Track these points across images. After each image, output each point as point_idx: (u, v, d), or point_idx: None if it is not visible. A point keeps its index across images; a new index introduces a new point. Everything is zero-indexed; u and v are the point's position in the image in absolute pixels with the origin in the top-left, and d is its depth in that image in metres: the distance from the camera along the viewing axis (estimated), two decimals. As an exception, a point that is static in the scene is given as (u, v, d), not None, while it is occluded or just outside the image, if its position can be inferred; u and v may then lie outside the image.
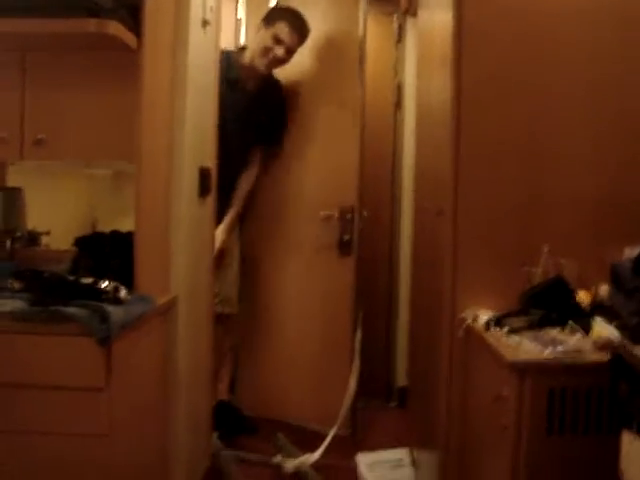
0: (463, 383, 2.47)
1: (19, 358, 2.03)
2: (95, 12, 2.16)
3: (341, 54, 3.73)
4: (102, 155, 2.43)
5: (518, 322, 2.16)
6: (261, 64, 3.56)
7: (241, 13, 4.01)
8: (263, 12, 3.66)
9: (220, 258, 3.62)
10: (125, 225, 2.48)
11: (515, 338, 2.05)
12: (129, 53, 2.29)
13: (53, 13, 2.16)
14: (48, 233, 2.77)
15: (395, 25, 4.43)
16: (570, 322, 2.08)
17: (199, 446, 3.07)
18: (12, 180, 2.78)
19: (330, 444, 3.43)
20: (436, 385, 2.64)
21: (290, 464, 3.34)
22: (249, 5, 3.99)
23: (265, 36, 3.52)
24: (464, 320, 2.39)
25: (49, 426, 2.04)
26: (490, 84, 2.51)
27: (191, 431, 2.88)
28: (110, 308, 2.05)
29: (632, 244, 2.17)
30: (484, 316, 2.31)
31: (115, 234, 2.59)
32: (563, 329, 2.09)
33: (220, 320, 3.55)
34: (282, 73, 3.73)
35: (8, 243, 2.60)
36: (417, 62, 3.91)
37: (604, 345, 1.88)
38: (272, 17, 3.55)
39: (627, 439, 1.60)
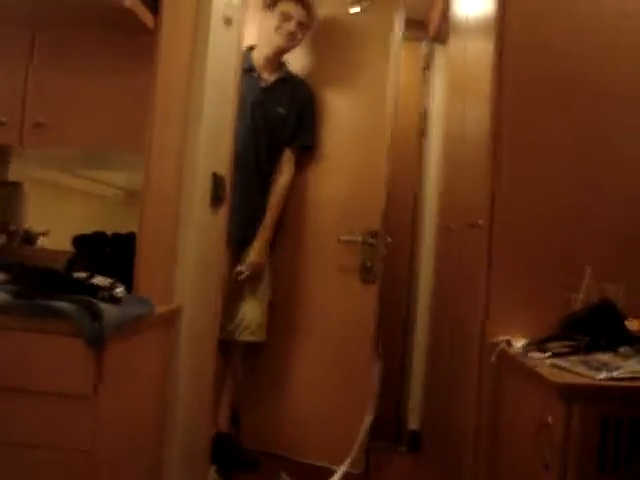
0: (494, 416, 2.20)
1: (-2, 356, 1.79)
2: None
3: (371, 80, 3.58)
4: (108, 144, 2.22)
5: (561, 347, 1.91)
6: (275, 44, 3.40)
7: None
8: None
9: (249, 281, 3.42)
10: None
11: (560, 362, 1.80)
12: (145, 35, 2.11)
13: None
14: (46, 234, 2.56)
15: (424, 52, 4.26)
16: (622, 348, 1.83)
17: (194, 477, 2.80)
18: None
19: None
20: (462, 420, 2.38)
21: None
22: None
23: (272, 19, 3.38)
24: (497, 345, 2.14)
25: (25, 435, 1.79)
26: (532, 98, 2.32)
27: (186, 459, 2.61)
28: (104, 306, 1.82)
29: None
30: (519, 342, 2.07)
31: (117, 235, 2.38)
32: (615, 355, 1.83)
33: (224, 346, 3.31)
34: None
35: (2, 237, 2.38)
36: (447, 89, 3.80)
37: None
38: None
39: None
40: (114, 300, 1.91)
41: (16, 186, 2.55)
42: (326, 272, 3.51)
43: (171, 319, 2.38)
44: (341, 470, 3.21)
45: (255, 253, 3.37)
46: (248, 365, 3.63)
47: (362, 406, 3.38)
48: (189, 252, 2.49)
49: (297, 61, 3.60)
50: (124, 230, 2.32)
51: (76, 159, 2.51)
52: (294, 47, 3.46)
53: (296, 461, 3.50)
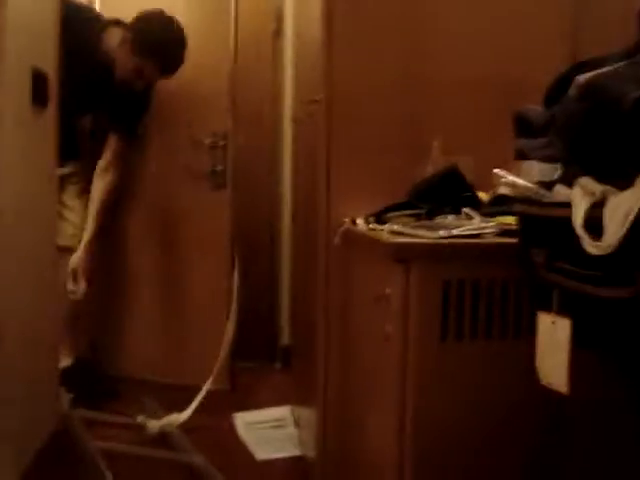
0: (344, 299, 2.06)
1: None
2: None
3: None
4: None
5: (403, 217, 1.77)
6: (117, 77, 3.12)
7: None
8: None
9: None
10: None
11: (399, 228, 1.65)
12: None
13: None
14: None
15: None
16: (466, 209, 1.70)
17: (39, 408, 2.56)
18: None
19: (205, 402, 3.00)
20: (314, 312, 2.23)
21: (154, 424, 2.87)
22: None
23: (129, 59, 3.06)
24: (341, 225, 1.99)
25: None
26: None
27: (24, 393, 2.37)
28: None
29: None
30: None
31: None
32: (458, 217, 1.70)
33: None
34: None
35: None
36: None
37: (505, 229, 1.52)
38: (143, 48, 3.05)
39: (544, 323, 1.24)
40: None
41: None
42: (175, 178, 3.28)
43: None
44: (205, 387, 3.04)
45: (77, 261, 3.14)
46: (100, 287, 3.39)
47: (224, 321, 3.21)
48: (6, 153, 2.21)
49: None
50: None
51: None
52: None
53: (158, 383, 3.31)
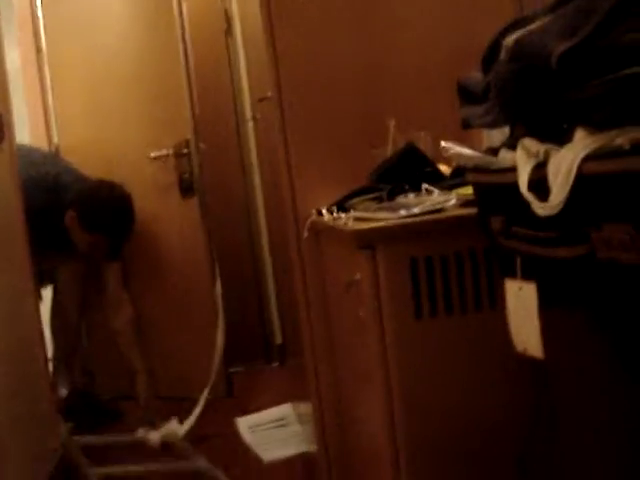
0: (321, 294, 2.05)
1: None
2: None
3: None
4: None
5: (364, 202, 1.76)
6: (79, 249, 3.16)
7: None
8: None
9: None
10: None
11: (361, 214, 1.64)
12: None
13: None
14: None
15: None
16: (425, 185, 1.68)
17: (39, 444, 2.54)
18: None
19: (205, 411, 2.98)
20: (295, 306, 2.22)
21: (156, 436, 2.85)
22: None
23: (81, 236, 3.09)
24: (308, 218, 1.97)
25: None
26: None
27: (21, 430, 2.34)
28: None
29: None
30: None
31: None
32: (418, 195, 1.69)
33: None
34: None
35: None
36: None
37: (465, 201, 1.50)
38: (91, 225, 3.07)
39: (512, 290, 1.22)
40: None
41: None
42: (144, 193, 3.24)
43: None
44: (202, 398, 3.03)
45: None
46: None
47: (213, 328, 3.19)
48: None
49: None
50: None
51: None
52: None
53: (157, 397, 3.30)
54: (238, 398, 3.38)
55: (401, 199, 1.67)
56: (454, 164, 1.79)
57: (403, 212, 1.50)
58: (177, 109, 3.21)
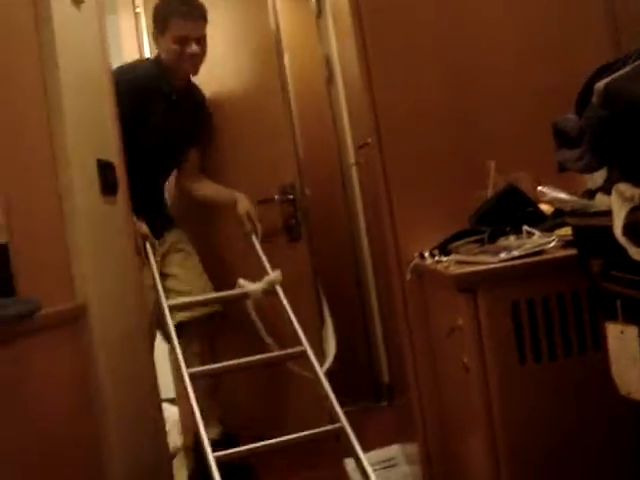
0: (425, 335, 2.06)
1: None
2: None
3: (258, 41, 3.44)
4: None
5: (466, 245, 1.78)
6: (183, 69, 3.11)
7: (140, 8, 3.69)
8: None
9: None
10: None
11: (462, 257, 1.66)
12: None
13: None
14: None
15: (312, 1, 4.12)
16: (526, 227, 1.69)
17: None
18: None
19: (313, 452, 3.00)
20: (401, 347, 2.24)
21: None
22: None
23: (167, 43, 3.04)
24: (411, 261, 2.00)
25: None
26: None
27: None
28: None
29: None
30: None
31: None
32: (519, 237, 1.69)
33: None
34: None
35: None
36: (336, 35, 3.68)
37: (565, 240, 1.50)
38: (161, 19, 3.06)
39: (613, 333, 1.22)
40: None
41: None
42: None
43: (74, 318, 2.21)
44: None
45: None
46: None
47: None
48: (83, 246, 2.32)
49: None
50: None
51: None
52: (201, 64, 3.15)
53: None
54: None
55: (502, 241, 1.68)
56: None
57: (503, 255, 1.51)
58: (282, 155, 3.29)
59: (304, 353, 2.62)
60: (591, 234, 1.22)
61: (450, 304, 1.66)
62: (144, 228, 2.96)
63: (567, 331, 1.51)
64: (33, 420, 1.86)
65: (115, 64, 2.87)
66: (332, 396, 2.50)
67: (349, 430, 2.40)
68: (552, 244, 1.54)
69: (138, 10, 3.71)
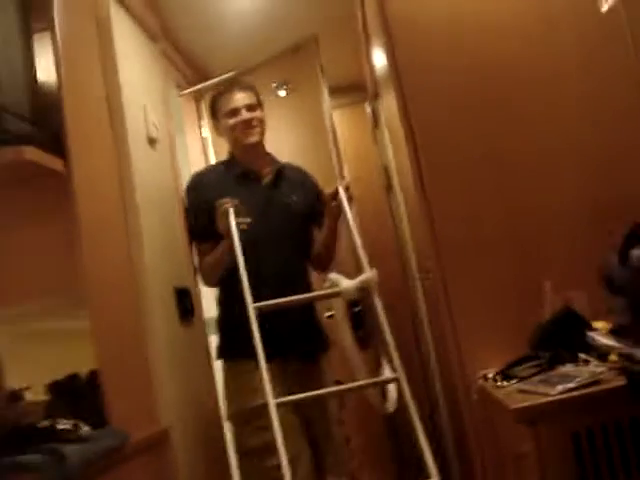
0: (495, 456, 2.14)
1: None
2: (9, 141, 2.06)
3: (318, 152, 3.67)
4: (50, 292, 2.25)
5: (526, 370, 1.88)
6: (243, 141, 2.94)
7: (206, 132, 3.95)
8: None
9: None
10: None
11: (523, 386, 1.76)
12: (59, 180, 2.16)
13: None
14: (28, 388, 2.58)
15: (368, 111, 4.33)
16: (581, 354, 1.79)
17: None
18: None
19: None
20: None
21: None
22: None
23: (225, 124, 2.97)
24: (475, 382, 2.11)
25: None
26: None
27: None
28: (69, 448, 1.83)
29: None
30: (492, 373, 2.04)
31: (92, 372, 2.39)
32: (576, 365, 1.79)
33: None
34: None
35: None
36: (390, 145, 3.84)
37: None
38: (213, 105, 3.05)
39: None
40: (82, 440, 1.91)
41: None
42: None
43: (158, 443, 2.36)
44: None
45: None
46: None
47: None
48: (164, 373, 2.48)
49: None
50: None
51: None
52: (262, 131, 3.01)
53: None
54: None
55: (560, 369, 1.78)
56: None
57: (561, 388, 1.61)
58: (346, 267, 3.43)
59: (396, 380, 2.17)
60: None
61: (514, 430, 1.75)
62: None
63: (628, 458, 1.58)
64: None
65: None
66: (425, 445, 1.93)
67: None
68: (607, 373, 1.63)
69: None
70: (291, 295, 2.51)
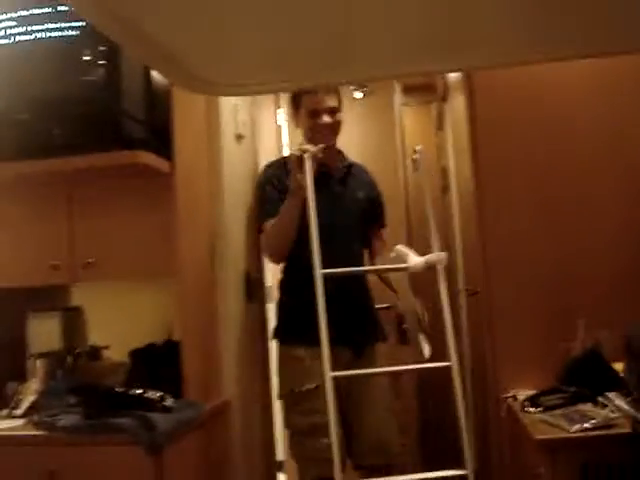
0: (521, 473, 2.44)
1: (74, 469, 2.17)
2: (128, 144, 2.37)
3: (382, 149, 3.91)
4: (147, 273, 2.59)
5: (552, 400, 2.18)
6: (320, 141, 2.94)
7: (281, 120, 4.21)
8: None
9: None
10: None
11: (547, 417, 2.07)
12: (163, 177, 2.49)
13: (91, 149, 2.37)
14: (107, 347, 2.92)
15: (434, 113, 4.55)
16: (600, 398, 2.08)
17: None
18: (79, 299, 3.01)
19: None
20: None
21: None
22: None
23: (304, 121, 3.09)
24: (505, 400, 2.42)
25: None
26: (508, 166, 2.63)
27: None
28: (157, 417, 2.18)
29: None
30: (522, 395, 2.34)
31: (169, 343, 2.73)
32: (595, 405, 2.09)
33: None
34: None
35: (69, 359, 2.76)
36: (453, 147, 4.05)
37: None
38: (297, 99, 3.14)
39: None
40: (166, 410, 2.26)
41: (78, 310, 2.95)
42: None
43: (222, 412, 2.70)
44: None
45: None
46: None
47: None
48: (230, 346, 2.82)
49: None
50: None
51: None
52: (338, 132, 3.15)
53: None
54: None
55: (580, 406, 2.08)
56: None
57: (577, 427, 1.91)
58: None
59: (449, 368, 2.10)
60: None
61: (534, 453, 2.06)
62: None
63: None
64: None
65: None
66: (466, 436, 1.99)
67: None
68: (619, 420, 1.93)
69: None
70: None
